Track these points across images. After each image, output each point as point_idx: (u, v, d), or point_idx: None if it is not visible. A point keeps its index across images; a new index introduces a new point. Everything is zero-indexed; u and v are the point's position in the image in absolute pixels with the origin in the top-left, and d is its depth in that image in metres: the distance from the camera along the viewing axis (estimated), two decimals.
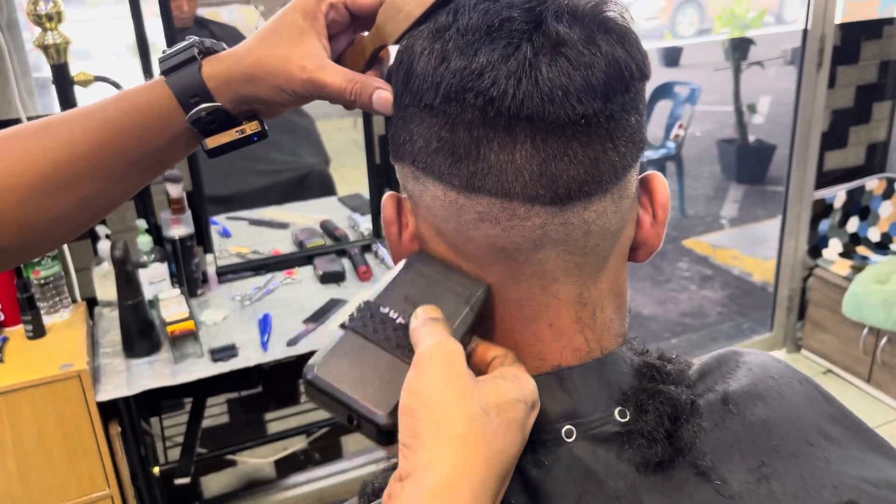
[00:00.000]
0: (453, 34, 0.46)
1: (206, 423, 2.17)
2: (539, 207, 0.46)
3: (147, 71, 1.81)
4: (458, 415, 0.42)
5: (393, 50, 0.54)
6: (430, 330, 0.46)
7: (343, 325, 0.49)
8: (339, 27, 0.57)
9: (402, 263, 0.52)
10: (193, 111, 0.55)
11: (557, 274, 0.49)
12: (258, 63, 0.54)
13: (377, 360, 0.47)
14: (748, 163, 5.15)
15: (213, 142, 0.58)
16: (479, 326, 0.50)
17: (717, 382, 0.54)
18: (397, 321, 0.48)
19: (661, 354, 0.54)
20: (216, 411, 2.23)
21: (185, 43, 0.57)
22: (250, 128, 0.59)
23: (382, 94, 0.52)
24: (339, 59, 0.59)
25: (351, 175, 2.32)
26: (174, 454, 2.07)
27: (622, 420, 0.49)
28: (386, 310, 0.49)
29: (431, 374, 0.44)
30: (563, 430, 0.49)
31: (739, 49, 4.91)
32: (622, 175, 0.48)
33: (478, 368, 0.49)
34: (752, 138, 5.18)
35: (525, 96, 0.43)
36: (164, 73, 0.56)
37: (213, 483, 2.30)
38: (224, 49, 0.58)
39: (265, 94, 0.55)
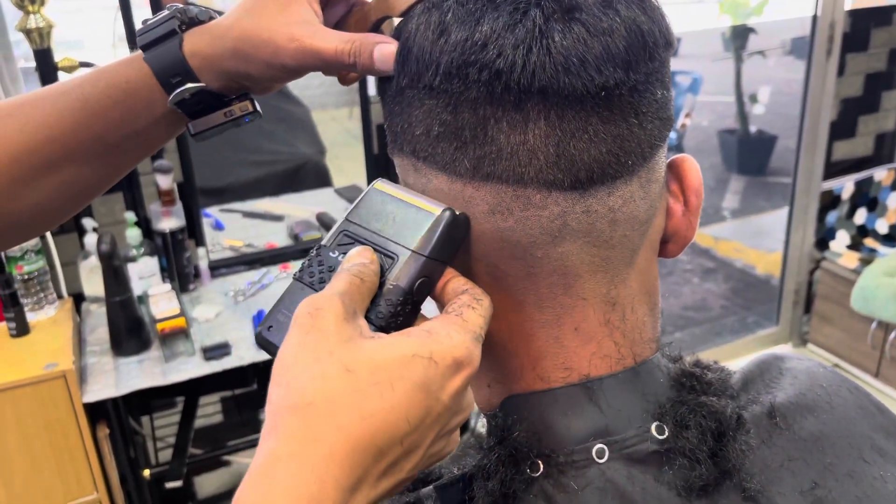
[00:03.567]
0: (452, 4, 0.41)
1: (199, 422, 2.11)
2: (557, 194, 0.41)
3: None
4: (304, 376, 0.36)
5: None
6: (334, 281, 0.41)
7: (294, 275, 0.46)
8: None
9: (364, 193, 0.46)
10: (176, 92, 0.50)
11: (581, 270, 0.43)
12: (244, 36, 0.48)
13: None
14: (749, 154, 5.11)
15: (199, 124, 0.53)
16: (452, 259, 0.44)
17: (762, 392, 0.50)
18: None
19: (696, 361, 0.49)
20: (210, 410, 2.18)
21: (165, 13, 0.51)
22: (240, 108, 0.54)
23: (385, 49, 0.45)
24: (336, 27, 0.52)
25: (347, 166, 2.27)
26: (166, 455, 2.01)
27: (660, 437, 0.44)
28: (335, 254, 0.44)
29: (290, 335, 0.38)
30: (594, 450, 0.43)
31: (740, 38, 4.85)
32: (650, 155, 0.43)
33: (446, 299, 0.43)
34: (752, 129, 5.13)
35: (536, 67, 0.38)
36: (143, 48, 0.50)
37: (207, 483, 2.24)
38: (212, 18, 0.52)
39: (254, 70, 0.49)
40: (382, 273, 0.42)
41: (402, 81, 0.43)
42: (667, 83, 0.44)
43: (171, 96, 0.50)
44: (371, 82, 1.98)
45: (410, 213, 0.43)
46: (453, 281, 0.43)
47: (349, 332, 0.38)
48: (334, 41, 0.47)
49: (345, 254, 0.43)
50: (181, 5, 0.51)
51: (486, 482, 0.43)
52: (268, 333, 0.44)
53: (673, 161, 0.48)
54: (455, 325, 0.40)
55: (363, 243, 0.44)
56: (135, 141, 0.53)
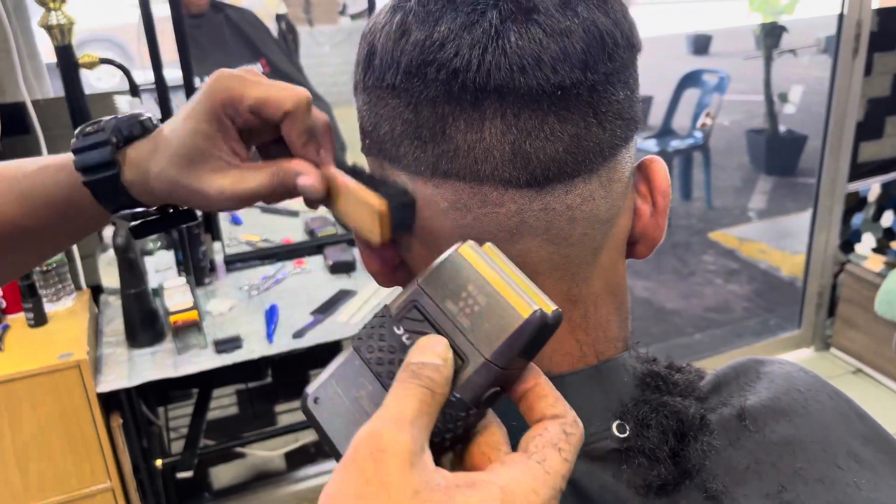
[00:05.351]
0: (413, 5, 0.41)
1: (214, 414, 2.14)
2: (513, 191, 0.41)
3: (154, 58, 1.76)
4: None
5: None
6: (398, 392, 0.34)
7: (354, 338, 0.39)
8: (257, 126, 0.49)
9: (445, 254, 0.38)
10: (117, 214, 0.53)
11: (541, 268, 0.43)
12: (174, 189, 0.49)
13: (372, 396, 0.37)
14: (778, 154, 5.03)
15: (139, 230, 0.56)
16: (529, 361, 0.37)
17: (734, 395, 0.49)
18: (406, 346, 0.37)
19: (670, 363, 0.49)
20: (225, 402, 2.20)
21: (98, 134, 0.50)
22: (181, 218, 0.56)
23: (306, 181, 0.46)
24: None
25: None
26: (180, 446, 2.04)
27: (621, 435, 0.44)
28: (400, 331, 0.37)
29: (347, 479, 0.31)
30: None
31: (771, 36, 4.77)
32: (610, 155, 0.43)
33: (526, 421, 0.37)
34: (782, 128, 5.05)
35: (491, 66, 0.38)
36: (81, 171, 0.50)
37: (222, 475, 2.27)
38: (146, 125, 0.51)
39: (194, 206, 0.51)
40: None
41: (369, 81, 0.44)
42: (630, 84, 0.43)
43: (112, 215, 0.53)
44: None
45: (494, 305, 0.35)
46: (536, 391, 0.36)
47: (415, 482, 0.31)
48: (258, 179, 0.47)
49: (411, 333, 0.37)
50: (111, 121, 0.51)
51: None
52: (314, 407, 0.38)
53: (642, 162, 0.48)
54: (537, 480, 0.33)
55: (434, 328, 0.36)
56: (76, 233, 0.57)
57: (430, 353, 0.35)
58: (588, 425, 0.43)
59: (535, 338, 0.35)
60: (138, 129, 0.51)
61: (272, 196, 0.48)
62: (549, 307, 0.35)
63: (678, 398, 0.45)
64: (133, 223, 0.55)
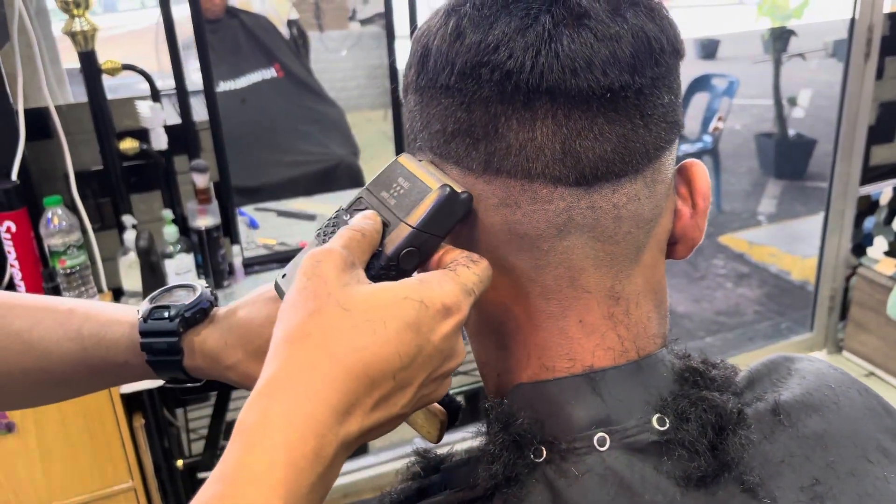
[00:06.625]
0: (468, 9, 0.43)
1: (232, 416, 2.15)
2: (563, 189, 0.43)
3: (175, 65, 1.78)
4: (302, 312, 0.39)
5: None
6: (336, 236, 0.44)
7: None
8: None
9: (387, 164, 0.49)
10: (172, 384, 0.59)
11: (586, 264, 0.45)
12: (240, 378, 0.55)
13: None
14: (788, 158, 5.02)
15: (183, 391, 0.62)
16: (447, 234, 0.46)
17: (768, 391, 0.51)
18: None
19: (704, 359, 0.50)
20: (241, 404, 2.22)
21: (164, 322, 0.55)
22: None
23: None
24: None
25: (380, 167, 2.28)
26: (199, 447, 2.06)
27: (661, 428, 0.45)
28: (348, 217, 0.48)
29: (295, 281, 0.41)
30: (596, 438, 0.45)
31: (780, 40, 4.78)
32: (655, 156, 0.45)
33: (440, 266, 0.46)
34: (791, 132, 5.05)
35: (544, 68, 0.40)
36: (146, 351, 0.55)
37: None
38: (207, 311, 0.57)
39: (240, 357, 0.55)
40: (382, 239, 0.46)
41: (422, 82, 0.46)
42: (675, 89, 0.45)
43: (165, 383, 0.58)
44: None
45: (415, 187, 0.46)
46: (450, 253, 0.45)
47: (346, 279, 0.41)
48: None
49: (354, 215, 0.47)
50: (180, 307, 0.55)
51: (490, 465, 0.45)
52: (281, 281, 0.49)
53: (682, 165, 0.50)
54: (447, 277, 0.42)
55: (373, 209, 0.47)
56: (110, 384, 0.61)
57: (361, 217, 0.46)
58: (629, 418, 0.45)
59: (442, 206, 0.44)
60: (201, 315, 0.56)
61: None
62: (458, 188, 0.44)
63: (716, 393, 0.46)
64: (176, 385, 0.59)
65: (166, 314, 0.54)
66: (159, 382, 1.52)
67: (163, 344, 0.54)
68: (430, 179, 0.45)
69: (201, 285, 0.57)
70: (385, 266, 0.45)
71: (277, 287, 0.49)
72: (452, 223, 0.45)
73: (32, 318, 0.56)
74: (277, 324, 0.40)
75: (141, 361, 0.55)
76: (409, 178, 0.46)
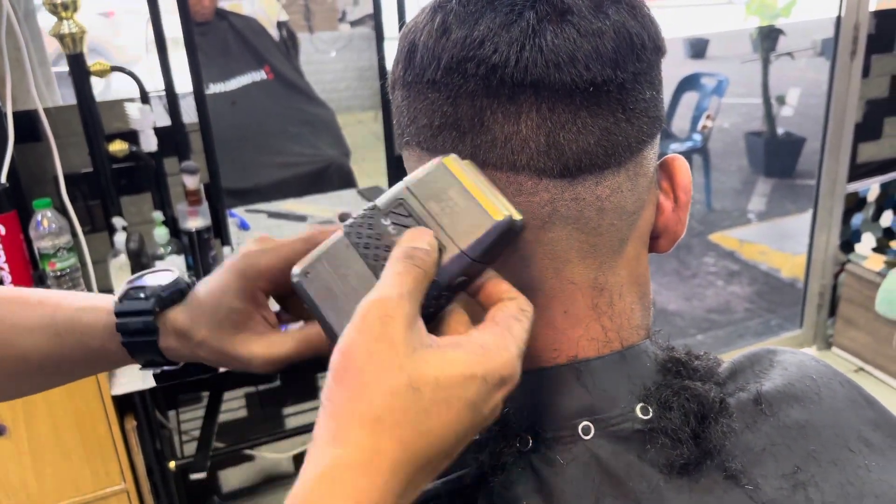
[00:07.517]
0: (454, 6, 0.44)
1: (224, 417, 2.16)
2: (547, 181, 0.44)
3: (164, 67, 1.78)
4: (376, 389, 0.37)
5: None
6: (397, 269, 0.40)
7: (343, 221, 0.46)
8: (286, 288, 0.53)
9: (431, 164, 0.44)
10: (148, 368, 0.58)
11: (570, 255, 0.46)
12: (219, 357, 0.54)
13: (358, 274, 0.43)
14: (777, 156, 5.05)
15: (161, 376, 0.62)
16: (493, 262, 0.44)
17: (750, 381, 0.51)
18: (392, 238, 0.43)
19: (688, 351, 0.51)
20: (234, 405, 2.22)
21: (139, 302, 0.54)
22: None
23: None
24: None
25: (371, 168, 2.30)
26: (191, 448, 2.06)
27: (644, 417, 0.46)
28: (387, 222, 0.43)
29: (359, 338, 0.38)
30: (580, 427, 0.46)
31: (769, 39, 4.81)
32: (637, 150, 0.46)
33: (483, 306, 0.44)
34: (780, 131, 5.08)
35: (529, 63, 0.41)
36: (121, 332, 0.54)
37: (232, 477, 2.28)
38: (184, 291, 0.56)
39: (229, 368, 0.56)
40: None
41: (409, 77, 0.46)
42: (656, 85, 0.46)
43: (143, 366, 0.57)
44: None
45: (471, 209, 0.42)
46: (494, 282, 0.43)
47: (414, 341, 0.38)
48: (287, 345, 0.52)
49: (397, 225, 0.43)
50: (156, 288, 0.55)
51: (477, 454, 0.46)
52: (305, 281, 0.44)
53: (664, 160, 0.51)
54: (504, 342, 0.40)
55: (419, 223, 0.43)
56: (92, 371, 0.61)
57: (421, 240, 0.42)
58: (613, 407, 0.46)
59: (502, 236, 0.42)
60: (178, 296, 0.55)
61: (301, 359, 0.52)
62: (517, 215, 0.42)
63: (698, 383, 0.47)
64: (153, 369, 0.59)
65: (142, 294, 0.54)
66: (151, 383, 1.53)
67: (139, 323, 0.53)
68: (488, 202, 0.42)
69: (180, 269, 0.57)
70: (437, 296, 0.42)
71: (298, 286, 0.44)
72: (503, 250, 0.44)
73: (2, 309, 0.55)
74: (339, 385, 0.38)
75: (117, 346, 0.54)
76: (464, 196, 0.42)
